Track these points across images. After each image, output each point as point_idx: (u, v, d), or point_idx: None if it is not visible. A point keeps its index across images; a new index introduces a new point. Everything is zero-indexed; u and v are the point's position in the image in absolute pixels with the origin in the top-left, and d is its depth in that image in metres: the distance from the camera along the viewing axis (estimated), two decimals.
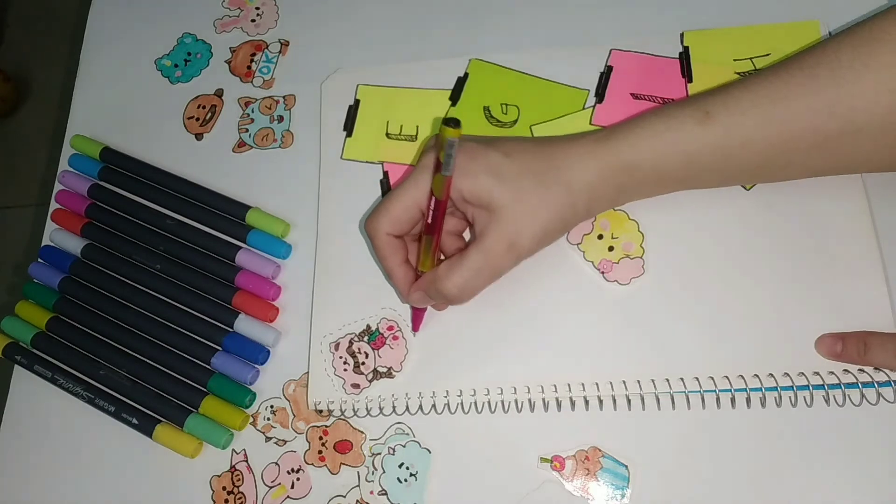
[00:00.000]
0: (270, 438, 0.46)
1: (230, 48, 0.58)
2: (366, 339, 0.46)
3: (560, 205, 0.40)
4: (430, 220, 0.40)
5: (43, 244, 0.54)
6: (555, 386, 0.43)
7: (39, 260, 0.53)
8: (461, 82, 0.52)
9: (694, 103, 0.40)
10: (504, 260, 0.40)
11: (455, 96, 0.52)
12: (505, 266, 0.41)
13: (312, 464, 0.45)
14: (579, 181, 0.40)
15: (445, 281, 0.40)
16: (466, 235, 0.47)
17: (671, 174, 0.41)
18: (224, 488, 0.45)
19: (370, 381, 0.45)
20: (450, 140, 0.35)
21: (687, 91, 0.49)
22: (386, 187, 0.50)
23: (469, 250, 0.40)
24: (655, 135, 0.40)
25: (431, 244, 0.41)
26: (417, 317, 0.46)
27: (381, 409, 0.45)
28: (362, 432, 0.45)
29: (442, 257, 0.44)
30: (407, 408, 0.44)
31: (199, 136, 0.56)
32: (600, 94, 0.50)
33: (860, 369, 0.41)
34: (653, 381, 0.42)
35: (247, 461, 0.46)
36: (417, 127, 0.52)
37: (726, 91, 0.40)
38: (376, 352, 0.46)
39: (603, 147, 0.41)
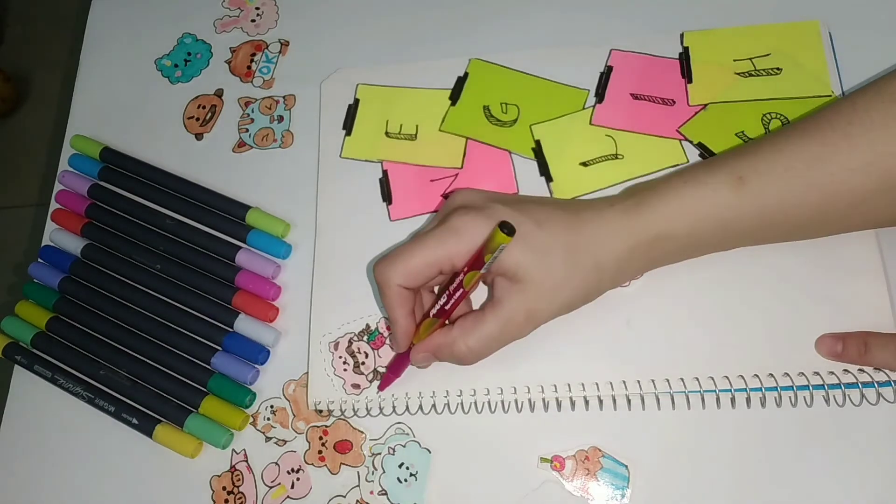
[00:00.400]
0: (270, 438, 0.46)
1: (230, 48, 0.58)
2: (365, 338, 0.46)
3: (587, 283, 0.40)
4: (447, 307, 0.40)
5: (43, 244, 0.54)
6: (555, 386, 0.43)
7: (39, 260, 0.53)
8: (461, 82, 0.52)
9: (725, 166, 0.39)
10: (521, 329, 0.40)
11: (455, 96, 0.52)
12: (521, 334, 0.40)
13: (312, 464, 0.45)
14: (609, 257, 0.40)
15: (460, 344, 0.40)
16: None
17: (705, 241, 0.40)
18: (224, 488, 0.45)
19: (370, 381, 0.45)
20: (501, 245, 0.35)
21: (687, 91, 0.49)
22: (385, 186, 0.50)
23: (486, 315, 0.40)
24: (688, 203, 0.39)
25: (436, 325, 0.41)
26: (390, 378, 0.44)
27: (381, 409, 0.45)
28: (362, 432, 0.45)
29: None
30: (407, 408, 0.44)
31: (199, 136, 0.56)
32: (600, 94, 0.50)
33: (860, 369, 0.41)
34: (653, 381, 0.42)
35: (247, 461, 0.46)
36: (417, 126, 0.52)
37: (756, 152, 0.39)
38: (376, 352, 0.46)
39: (634, 219, 0.40)
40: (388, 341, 0.46)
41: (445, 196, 0.49)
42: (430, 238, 0.40)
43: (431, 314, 0.40)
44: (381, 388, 0.45)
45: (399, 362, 0.44)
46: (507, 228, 0.35)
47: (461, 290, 0.39)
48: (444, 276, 0.41)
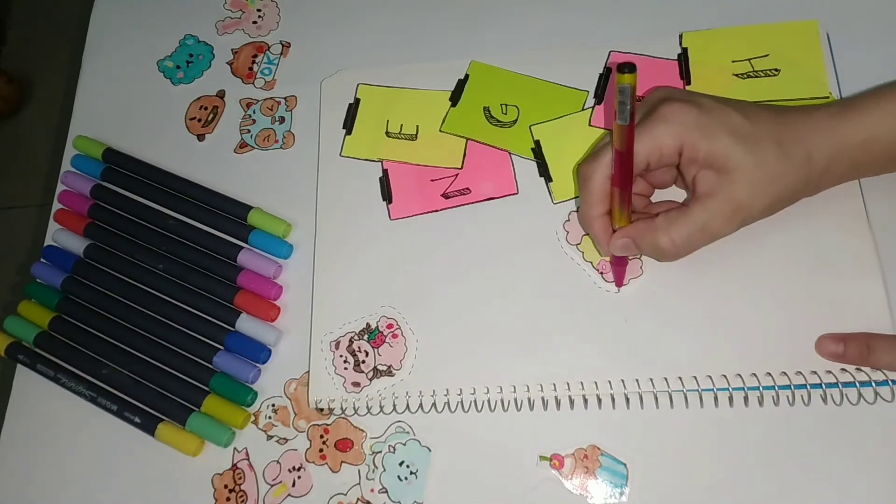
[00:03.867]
0: (272, 437, 0.46)
1: (232, 49, 0.58)
2: (365, 337, 0.47)
3: (797, 177, 0.39)
4: (615, 173, 0.38)
5: (46, 244, 0.54)
6: (554, 384, 0.43)
7: (42, 260, 0.54)
8: (461, 84, 0.53)
9: None
10: (727, 224, 0.39)
11: (455, 97, 0.52)
12: (725, 230, 0.39)
13: (313, 462, 0.45)
14: (819, 153, 0.39)
15: (662, 234, 0.39)
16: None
17: None
18: (226, 486, 0.46)
19: (370, 380, 0.46)
20: (622, 87, 0.32)
21: None
22: (385, 185, 0.50)
23: (692, 208, 0.39)
24: None
25: (622, 199, 0.39)
26: (620, 271, 0.44)
27: (381, 407, 0.45)
28: (363, 430, 0.45)
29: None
30: (407, 406, 0.45)
31: (201, 137, 0.56)
32: (599, 95, 0.50)
33: (858, 368, 0.41)
34: (651, 380, 0.43)
35: (248, 459, 0.46)
36: (417, 126, 0.52)
37: None
38: (376, 350, 0.46)
39: (842, 121, 0.39)
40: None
41: (446, 195, 0.49)
42: (639, 130, 0.39)
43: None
44: (618, 284, 0.44)
45: (616, 266, 0.44)
46: (627, 68, 0.32)
47: (615, 150, 0.37)
48: (649, 171, 0.40)
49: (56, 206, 0.55)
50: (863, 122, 0.39)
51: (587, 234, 0.46)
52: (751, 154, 0.38)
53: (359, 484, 0.44)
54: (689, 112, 0.39)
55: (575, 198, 0.48)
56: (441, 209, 0.49)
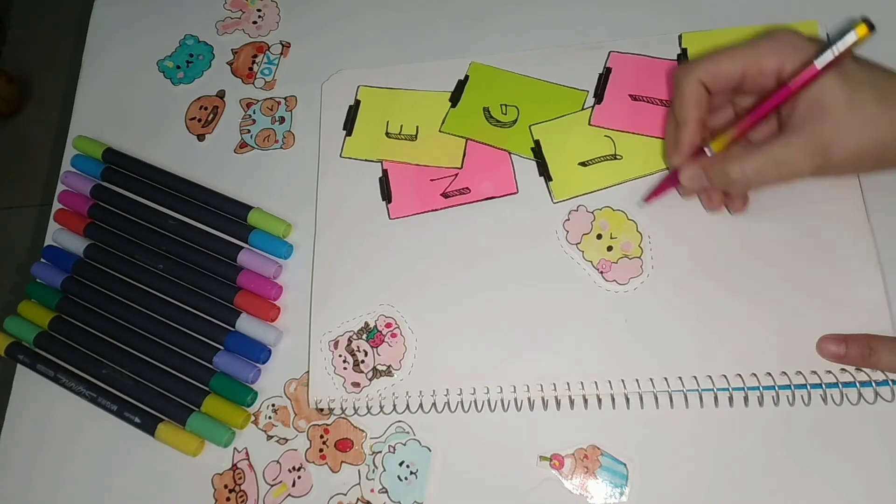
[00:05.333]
0: (272, 437, 0.46)
1: (232, 50, 0.58)
2: (364, 336, 0.47)
3: (891, 131, 0.37)
4: (764, 101, 0.38)
5: (46, 244, 0.54)
6: (554, 384, 0.43)
7: (42, 260, 0.54)
8: (461, 85, 0.53)
9: None
10: (806, 162, 0.37)
11: (455, 98, 0.52)
12: (803, 169, 0.38)
13: (313, 462, 0.45)
14: None
15: (735, 163, 0.38)
16: None
17: None
18: (226, 486, 0.46)
19: (370, 380, 0.46)
20: (856, 38, 0.33)
21: None
22: (385, 185, 0.50)
23: (773, 141, 0.38)
24: None
25: (742, 128, 0.38)
26: (661, 189, 0.44)
27: (381, 407, 0.45)
28: (363, 431, 0.45)
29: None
30: (407, 406, 0.45)
31: (201, 137, 0.56)
32: (599, 96, 0.50)
33: (858, 369, 0.41)
34: (651, 380, 0.43)
35: (248, 459, 0.46)
36: (417, 127, 0.52)
37: None
38: (375, 350, 0.46)
39: None
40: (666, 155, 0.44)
41: (445, 195, 0.49)
42: (742, 43, 0.39)
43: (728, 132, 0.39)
44: (648, 199, 0.44)
45: (669, 179, 0.43)
46: (870, 23, 0.32)
47: (784, 84, 0.36)
48: (745, 92, 0.40)
49: (56, 206, 0.55)
50: None
51: (664, 139, 0.44)
52: (848, 93, 0.36)
53: (359, 484, 0.44)
54: (799, 38, 0.38)
55: (575, 197, 0.48)
56: (441, 208, 0.49)
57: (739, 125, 0.39)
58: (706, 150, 0.41)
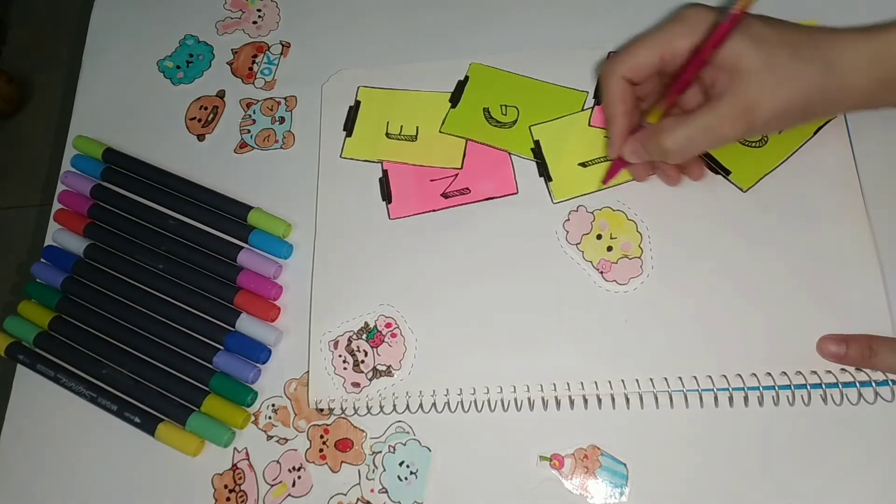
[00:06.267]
0: (272, 437, 0.46)
1: (232, 50, 0.58)
2: (364, 336, 0.47)
3: (810, 84, 0.38)
4: (685, 73, 0.39)
5: (46, 244, 0.54)
6: (554, 384, 0.43)
7: (42, 260, 0.54)
8: (461, 85, 0.53)
9: None
10: (733, 126, 0.39)
11: (455, 98, 0.52)
12: (731, 134, 0.39)
13: (313, 462, 0.45)
14: (841, 62, 0.38)
15: (667, 135, 0.40)
16: None
17: None
18: (226, 486, 0.46)
19: (370, 380, 0.46)
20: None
21: None
22: (385, 185, 0.51)
23: (701, 109, 0.39)
24: None
25: (668, 97, 0.40)
26: (614, 169, 0.46)
27: (381, 407, 0.45)
28: (363, 431, 0.45)
29: None
30: (407, 406, 0.45)
31: (201, 137, 0.56)
32: (599, 97, 0.50)
33: (858, 369, 0.41)
34: (651, 380, 0.43)
35: (248, 459, 0.46)
36: (417, 127, 0.52)
37: None
38: (375, 350, 0.46)
39: (876, 33, 0.39)
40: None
41: (445, 195, 0.49)
42: (655, 30, 0.40)
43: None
44: (605, 181, 0.46)
45: (619, 160, 0.45)
46: None
47: (694, 51, 0.38)
48: (669, 73, 0.41)
49: (56, 206, 0.55)
50: (893, 39, 0.38)
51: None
52: (761, 56, 0.38)
53: (359, 484, 0.44)
54: (705, 12, 0.39)
55: (574, 198, 0.48)
56: (441, 209, 0.49)
57: (666, 98, 0.41)
58: (643, 121, 0.43)
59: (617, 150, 0.43)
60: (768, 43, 0.38)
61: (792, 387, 0.41)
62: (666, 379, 0.42)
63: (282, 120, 0.55)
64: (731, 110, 0.39)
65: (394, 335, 0.46)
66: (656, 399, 0.42)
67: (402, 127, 0.52)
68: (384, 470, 0.44)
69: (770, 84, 0.38)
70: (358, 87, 0.54)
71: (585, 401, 0.43)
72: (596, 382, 0.43)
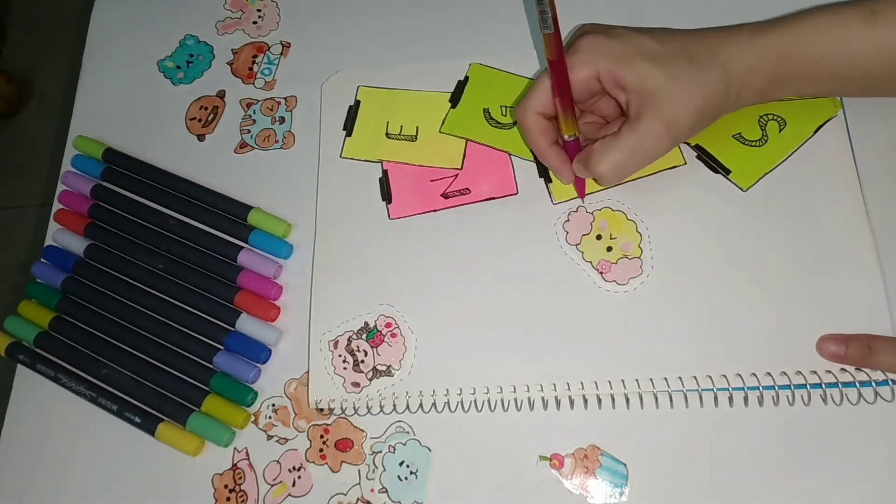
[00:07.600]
0: (272, 437, 0.46)
1: (232, 50, 0.58)
2: (364, 336, 0.47)
3: (715, 87, 0.40)
4: (553, 83, 0.41)
5: (46, 244, 0.54)
6: (554, 384, 0.43)
7: (42, 260, 0.54)
8: (461, 86, 0.53)
9: (860, 2, 0.40)
10: (660, 143, 0.41)
11: (455, 99, 0.52)
12: (660, 149, 0.41)
13: (313, 462, 0.45)
14: (735, 64, 0.40)
15: (598, 160, 0.41)
16: None
17: (827, 70, 0.41)
18: (226, 486, 0.46)
19: (370, 380, 0.46)
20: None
21: None
22: (385, 185, 0.51)
23: (623, 131, 0.41)
24: (817, 29, 0.40)
25: (563, 108, 0.42)
26: (580, 184, 0.47)
27: (381, 407, 0.45)
28: (363, 430, 0.45)
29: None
30: (407, 406, 0.45)
31: (201, 137, 0.56)
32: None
33: (858, 369, 0.41)
34: (651, 380, 0.43)
35: (248, 459, 0.46)
36: (417, 127, 0.52)
37: None
38: (375, 349, 0.46)
39: (761, 35, 0.41)
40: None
41: (445, 195, 0.49)
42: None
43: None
44: (580, 196, 0.47)
45: (577, 180, 0.46)
46: None
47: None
48: (579, 101, 0.43)
49: (56, 206, 0.55)
50: (780, 38, 0.41)
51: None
52: (665, 72, 0.40)
53: (359, 484, 0.44)
54: (601, 41, 0.41)
55: (574, 198, 0.48)
56: (441, 209, 0.49)
57: (561, 112, 0.43)
58: (564, 139, 0.44)
59: (569, 177, 0.45)
60: (665, 58, 0.40)
61: (792, 387, 0.41)
62: (666, 379, 0.42)
63: (282, 120, 0.55)
64: (653, 128, 0.40)
65: (394, 335, 0.46)
66: (656, 399, 0.42)
67: (402, 127, 0.52)
68: (384, 470, 0.44)
69: (680, 97, 0.40)
70: (358, 87, 0.54)
71: (585, 401, 0.43)
72: (596, 382, 0.43)
